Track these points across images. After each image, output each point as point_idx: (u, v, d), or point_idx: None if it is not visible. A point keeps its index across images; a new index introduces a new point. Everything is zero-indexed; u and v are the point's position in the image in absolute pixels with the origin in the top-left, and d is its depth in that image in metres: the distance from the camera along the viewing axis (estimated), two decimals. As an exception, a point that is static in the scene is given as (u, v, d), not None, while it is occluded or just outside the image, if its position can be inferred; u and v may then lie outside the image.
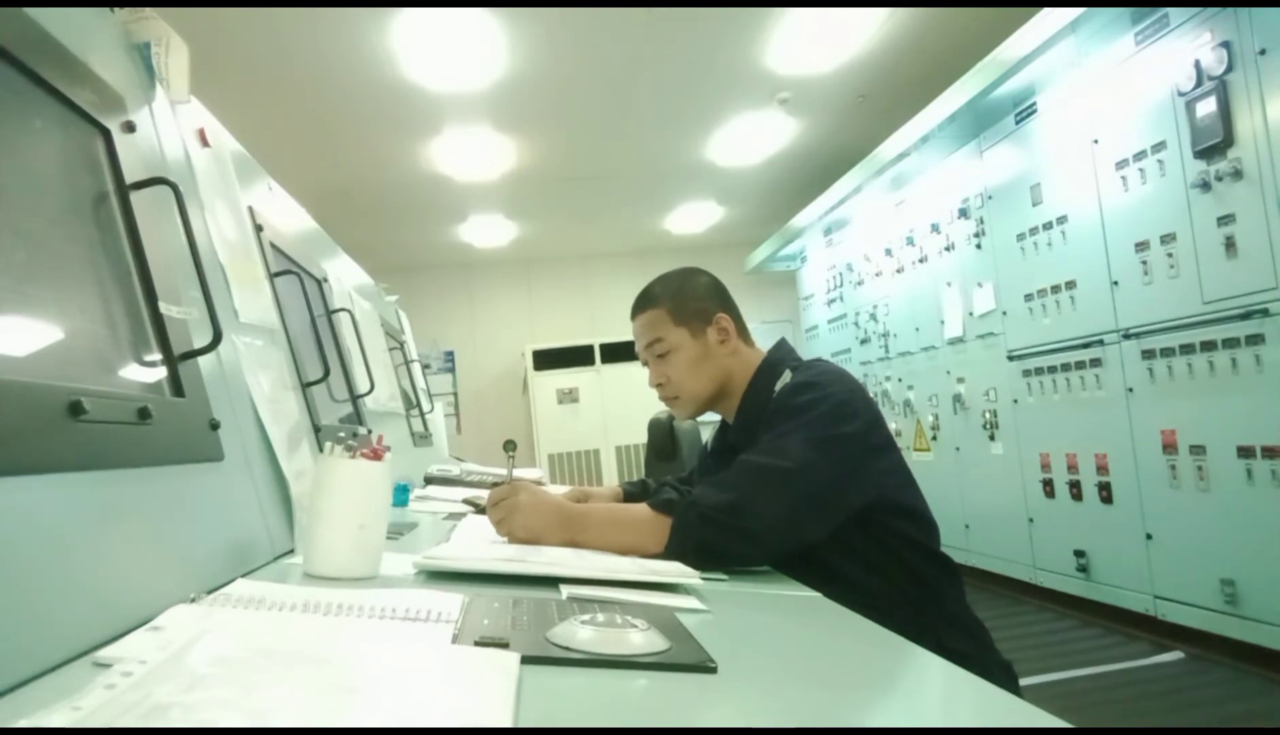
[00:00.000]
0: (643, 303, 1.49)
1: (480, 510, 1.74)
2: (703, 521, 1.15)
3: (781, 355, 1.44)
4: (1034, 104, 3.70)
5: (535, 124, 5.21)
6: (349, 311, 2.18)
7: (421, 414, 3.32)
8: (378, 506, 1.02)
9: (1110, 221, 3.26)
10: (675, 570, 1.04)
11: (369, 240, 6.85)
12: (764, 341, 1.50)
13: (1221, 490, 2.81)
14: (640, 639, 0.71)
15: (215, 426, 1.00)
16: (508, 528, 1.22)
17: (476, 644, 0.68)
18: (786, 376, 1.33)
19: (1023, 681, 1.40)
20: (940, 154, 4.47)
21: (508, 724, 0.50)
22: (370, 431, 1.86)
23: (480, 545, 1.23)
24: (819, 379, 1.30)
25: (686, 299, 1.45)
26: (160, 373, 0.93)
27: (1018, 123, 3.83)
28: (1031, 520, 3.89)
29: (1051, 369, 3.67)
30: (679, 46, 4.35)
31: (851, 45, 4.39)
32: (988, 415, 4.18)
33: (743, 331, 1.48)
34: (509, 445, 1.40)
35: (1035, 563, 3.88)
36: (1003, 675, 1.26)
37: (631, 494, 1.75)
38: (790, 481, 1.18)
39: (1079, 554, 3.54)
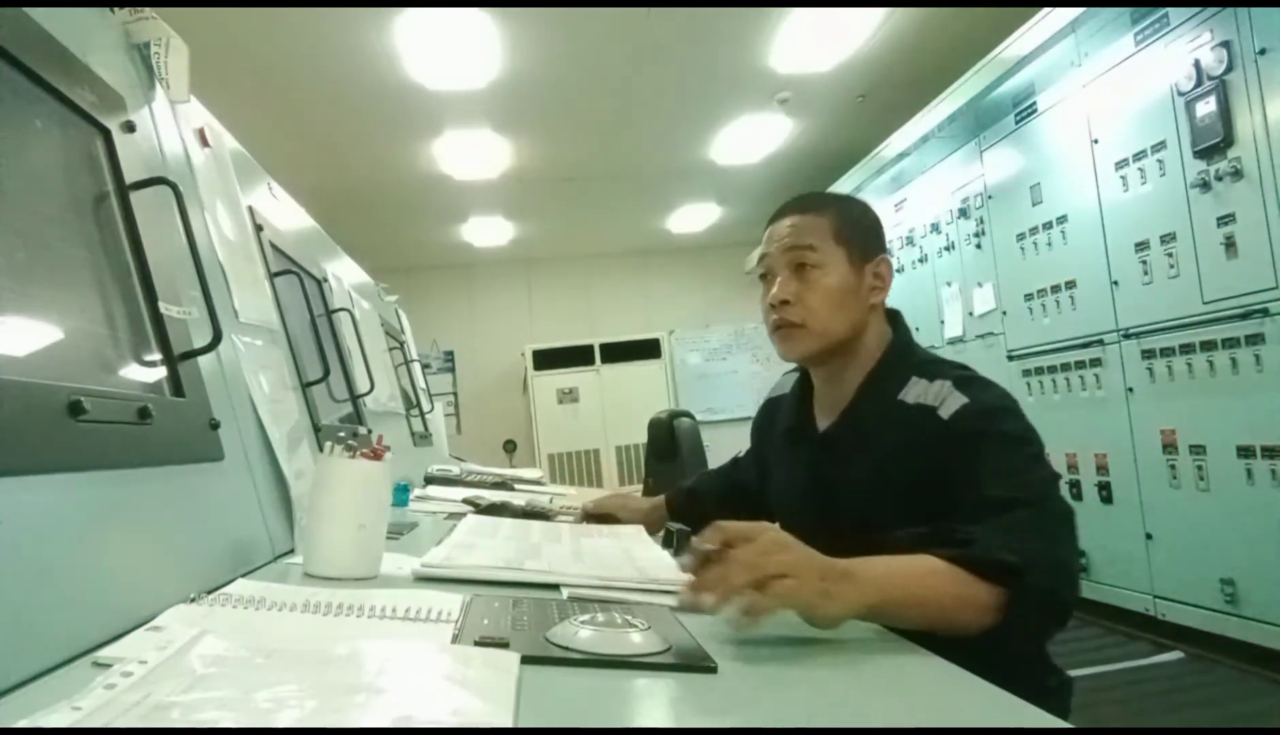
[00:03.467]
0: (803, 203, 1.24)
1: (480, 510, 1.73)
2: (1042, 610, 0.90)
3: (910, 342, 1.24)
4: (1034, 104, 3.70)
5: (535, 124, 5.21)
6: (349, 311, 2.18)
7: (421, 414, 3.31)
8: (378, 506, 1.02)
9: (1110, 221, 3.26)
10: (678, 581, 1.02)
11: (369, 240, 6.84)
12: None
13: (1221, 490, 2.81)
14: (640, 639, 0.71)
15: (215, 426, 1.00)
16: (761, 573, 0.74)
17: (477, 644, 0.68)
18: (953, 392, 1.09)
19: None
20: (940, 154, 4.47)
21: (508, 724, 0.50)
22: (370, 431, 1.86)
23: (479, 547, 1.23)
24: (1010, 405, 1.10)
25: (857, 220, 1.23)
26: (160, 372, 0.93)
27: (1018, 123, 3.83)
28: (1031, 520, 3.88)
29: (1051, 369, 3.67)
30: (679, 46, 4.35)
31: (851, 45, 4.39)
32: (988, 415, 4.17)
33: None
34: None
35: (1035, 563, 3.88)
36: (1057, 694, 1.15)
37: (678, 503, 1.61)
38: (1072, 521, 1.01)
39: (1079, 554, 3.53)
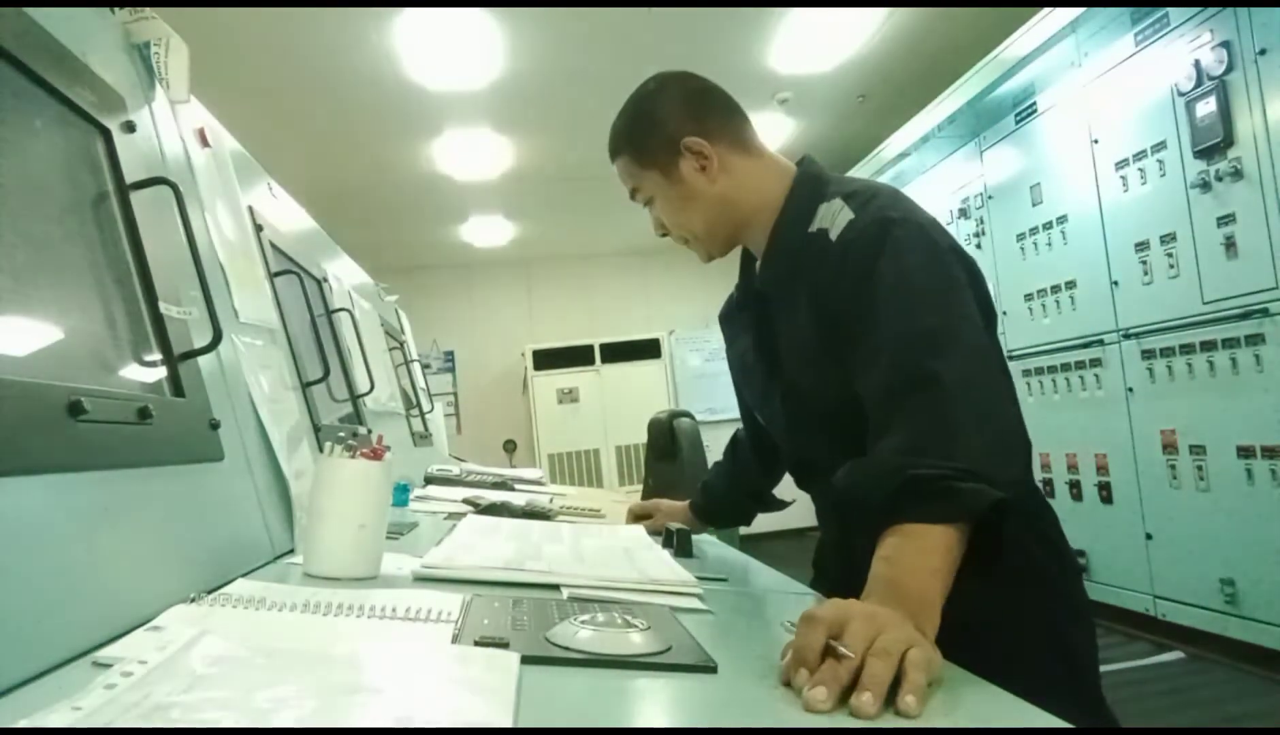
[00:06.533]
0: (610, 150, 1.24)
1: (480, 510, 1.73)
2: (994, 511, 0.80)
3: (816, 173, 1.15)
4: (1034, 104, 3.70)
5: (535, 124, 5.21)
6: (349, 311, 2.18)
7: (421, 414, 3.31)
8: (378, 506, 1.02)
9: (1110, 221, 3.26)
10: (677, 581, 1.02)
11: (369, 240, 6.84)
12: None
13: (1221, 490, 2.81)
14: (640, 639, 0.71)
15: (215, 426, 1.00)
16: (882, 646, 0.63)
17: (477, 644, 0.68)
18: (842, 209, 1.01)
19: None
20: (940, 154, 4.47)
21: (508, 724, 0.50)
22: (370, 431, 1.86)
23: (479, 547, 1.23)
24: (898, 213, 0.99)
25: (645, 134, 1.17)
26: (160, 372, 0.93)
27: (1018, 123, 3.83)
28: (1031, 520, 3.88)
29: (1051, 369, 3.67)
30: (679, 47, 4.34)
31: (851, 45, 4.39)
32: (988, 415, 4.18)
33: (738, 140, 1.17)
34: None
35: (1035, 563, 3.88)
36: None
37: (711, 498, 1.56)
38: (1000, 377, 0.93)
39: (1079, 554, 3.54)
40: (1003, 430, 0.89)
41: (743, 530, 2.95)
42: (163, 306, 0.94)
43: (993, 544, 0.80)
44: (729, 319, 1.33)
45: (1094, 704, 1.08)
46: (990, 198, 4.07)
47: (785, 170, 1.16)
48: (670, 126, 1.15)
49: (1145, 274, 3.08)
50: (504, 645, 0.67)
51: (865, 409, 0.92)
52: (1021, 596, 1.00)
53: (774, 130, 5.50)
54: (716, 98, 1.21)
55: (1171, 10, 2.89)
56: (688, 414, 4.26)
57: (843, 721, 0.58)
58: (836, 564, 1.17)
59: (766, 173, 1.16)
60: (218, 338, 1.00)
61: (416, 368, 3.67)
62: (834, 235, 1.00)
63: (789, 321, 1.10)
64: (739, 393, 1.39)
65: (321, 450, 1.04)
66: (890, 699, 0.59)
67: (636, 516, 1.69)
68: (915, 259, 0.95)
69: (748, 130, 1.19)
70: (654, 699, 0.65)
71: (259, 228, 1.54)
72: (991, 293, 1.07)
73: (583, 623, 0.73)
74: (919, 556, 0.78)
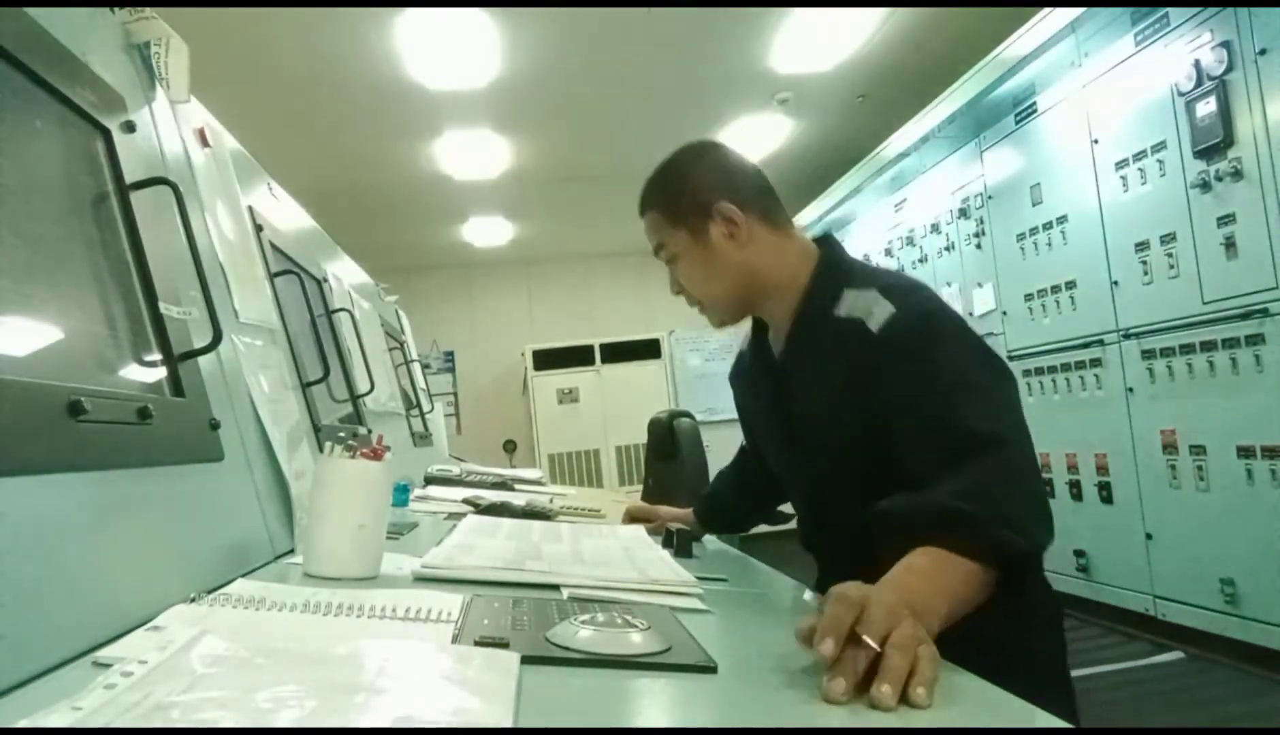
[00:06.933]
0: (640, 205, 1.27)
1: (480, 510, 1.74)
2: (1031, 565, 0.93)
3: (840, 257, 1.20)
4: (1034, 104, 3.70)
5: (535, 124, 5.21)
6: (349, 311, 2.18)
7: (421, 414, 3.31)
8: (378, 506, 1.02)
9: (1110, 221, 3.26)
10: (677, 581, 1.03)
11: (369, 240, 6.83)
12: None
13: (1221, 490, 2.81)
14: (640, 639, 0.71)
15: (215, 426, 1.00)
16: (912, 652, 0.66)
17: (477, 644, 0.68)
18: (880, 302, 1.06)
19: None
20: (940, 154, 4.47)
21: (508, 724, 0.50)
22: (370, 431, 1.86)
23: (479, 547, 1.23)
24: (942, 311, 1.06)
25: (679, 194, 1.21)
26: (160, 373, 0.93)
27: (1018, 123, 3.83)
28: (1031, 520, 3.88)
29: (1051, 369, 3.67)
30: (679, 47, 4.34)
31: (851, 45, 4.39)
32: (988, 415, 4.17)
33: (768, 214, 1.20)
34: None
35: (1035, 563, 3.88)
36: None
37: (717, 506, 1.61)
38: (1033, 457, 0.99)
39: (1079, 554, 3.54)
40: (1042, 500, 0.95)
41: (743, 530, 2.95)
42: (163, 306, 0.94)
43: (1013, 591, 0.88)
44: (739, 377, 1.40)
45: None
46: (990, 198, 4.07)
47: (808, 250, 1.21)
48: (705, 190, 1.19)
49: (1145, 274, 3.08)
50: (504, 645, 0.67)
51: (910, 473, 0.97)
52: (1034, 636, 1.09)
53: (774, 130, 5.50)
54: (750, 171, 1.25)
55: (1171, 10, 2.89)
56: (688, 414, 4.26)
57: (848, 722, 0.58)
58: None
59: (791, 250, 1.20)
60: (218, 338, 1.00)
61: (416, 368, 3.67)
62: (874, 326, 1.04)
63: (811, 393, 1.15)
64: (747, 435, 1.47)
65: (321, 450, 1.04)
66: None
67: (633, 518, 1.69)
68: (965, 353, 1.03)
69: (777, 208, 1.23)
70: (654, 699, 0.65)
71: (259, 228, 1.54)
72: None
73: (583, 623, 0.73)
74: (938, 573, 0.83)
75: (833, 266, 1.17)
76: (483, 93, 4.65)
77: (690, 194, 1.20)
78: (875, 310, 1.05)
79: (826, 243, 1.22)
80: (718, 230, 1.17)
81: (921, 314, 1.04)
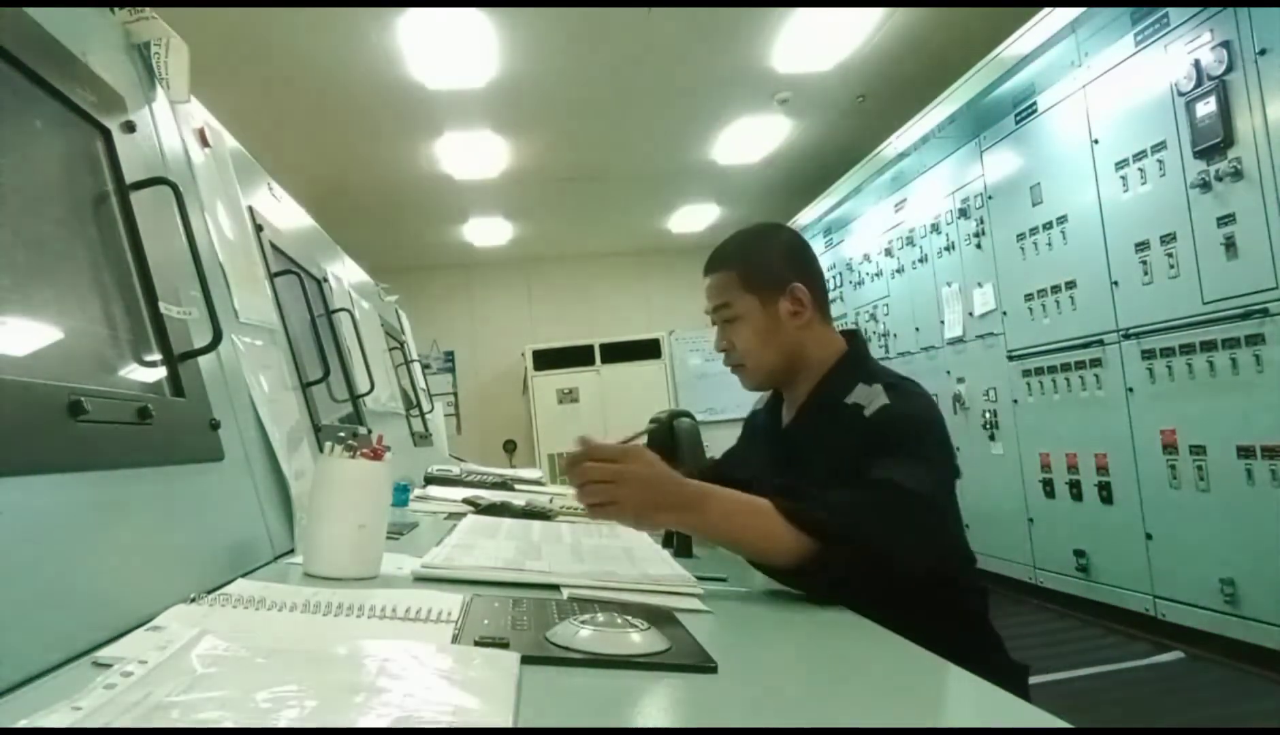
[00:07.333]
0: (714, 263, 1.37)
1: (480, 510, 1.73)
2: (849, 568, 0.99)
3: (863, 354, 1.36)
4: (1034, 104, 3.70)
5: (535, 124, 5.21)
6: (349, 311, 2.18)
7: (421, 414, 3.31)
8: (378, 506, 1.02)
9: (1110, 221, 3.26)
10: (677, 581, 1.03)
11: (369, 240, 6.83)
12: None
13: (1221, 490, 2.80)
14: (640, 639, 0.71)
15: (215, 426, 1.00)
16: (610, 497, 1.01)
17: (477, 644, 0.68)
18: (880, 395, 1.20)
19: (1022, 681, 1.40)
20: (940, 154, 4.46)
21: (508, 724, 0.50)
22: (370, 431, 1.86)
23: (479, 546, 1.23)
24: (923, 413, 1.22)
25: (760, 264, 1.33)
26: (160, 373, 0.93)
27: (1018, 123, 3.83)
28: (1031, 520, 3.88)
29: (1051, 369, 3.67)
30: (679, 46, 4.35)
31: (851, 45, 4.39)
32: (988, 415, 4.18)
33: (822, 306, 1.35)
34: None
35: (1035, 563, 3.88)
36: (1014, 677, 1.24)
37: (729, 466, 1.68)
38: (930, 513, 1.10)
39: (1079, 554, 3.54)
40: (920, 531, 1.06)
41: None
42: (163, 306, 0.94)
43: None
44: (752, 422, 1.58)
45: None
46: (990, 198, 4.07)
47: (838, 341, 1.35)
48: (785, 268, 1.33)
49: (1145, 274, 3.07)
50: (504, 645, 0.67)
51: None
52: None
53: (774, 130, 5.50)
54: (818, 263, 1.40)
55: (1171, 10, 2.89)
56: (688, 414, 4.27)
57: (847, 721, 0.58)
58: None
59: (831, 340, 1.35)
60: (218, 338, 1.01)
61: (416, 368, 3.67)
62: (868, 413, 1.18)
63: (812, 463, 1.26)
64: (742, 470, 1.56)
65: (321, 450, 1.04)
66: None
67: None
68: (928, 440, 1.17)
69: (829, 303, 1.38)
70: (654, 699, 0.65)
71: (259, 228, 1.54)
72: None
73: (583, 623, 0.73)
74: (743, 503, 1.05)
75: (854, 363, 1.31)
76: (482, 93, 4.65)
77: (771, 266, 1.33)
78: (875, 402, 1.19)
79: (854, 338, 1.37)
80: (785, 307, 1.31)
81: (909, 410, 1.19)
